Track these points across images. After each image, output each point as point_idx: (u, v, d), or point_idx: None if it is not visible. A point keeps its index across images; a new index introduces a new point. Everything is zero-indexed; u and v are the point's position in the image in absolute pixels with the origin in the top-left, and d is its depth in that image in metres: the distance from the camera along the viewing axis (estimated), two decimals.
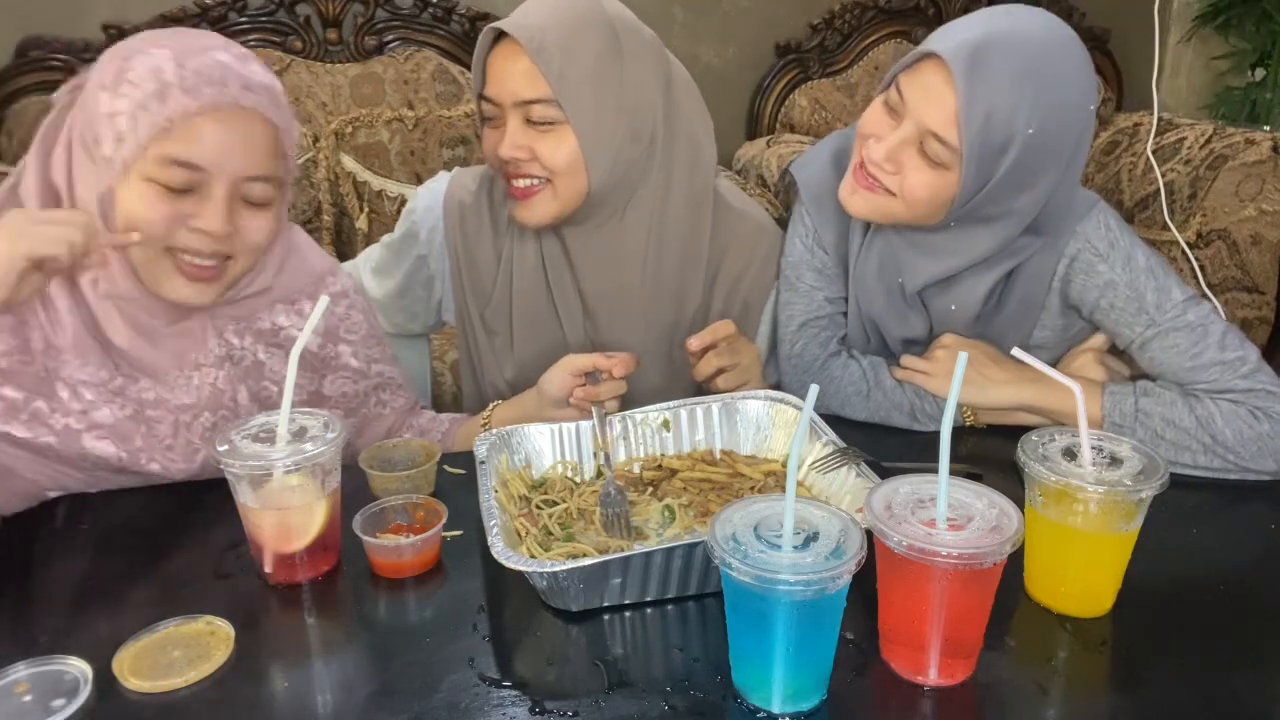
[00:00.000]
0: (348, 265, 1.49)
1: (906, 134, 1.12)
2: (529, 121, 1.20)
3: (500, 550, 0.85)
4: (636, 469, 1.12)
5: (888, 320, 1.31)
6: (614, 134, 1.22)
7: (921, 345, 1.30)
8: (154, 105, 0.96)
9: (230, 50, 1.02)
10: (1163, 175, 2.63)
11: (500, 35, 1.21)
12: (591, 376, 1.17)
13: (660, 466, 1.12)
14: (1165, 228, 2.56)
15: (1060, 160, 1.12)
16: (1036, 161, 1.11)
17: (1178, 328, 1.14)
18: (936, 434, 0.79)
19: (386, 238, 1.45)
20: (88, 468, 1.06)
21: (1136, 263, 1.16)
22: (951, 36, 1.11)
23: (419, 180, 2.36)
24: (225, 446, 0.91)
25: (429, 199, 1.40)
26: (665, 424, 1.14)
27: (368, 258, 1.46)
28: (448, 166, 2.32)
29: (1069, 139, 1.12)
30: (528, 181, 1.23)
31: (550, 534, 0.99)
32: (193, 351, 1.08)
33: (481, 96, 1.25)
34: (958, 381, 0.79)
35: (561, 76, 1.17)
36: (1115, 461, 0.87)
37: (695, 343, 1.23)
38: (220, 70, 0.99)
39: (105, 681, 0.79)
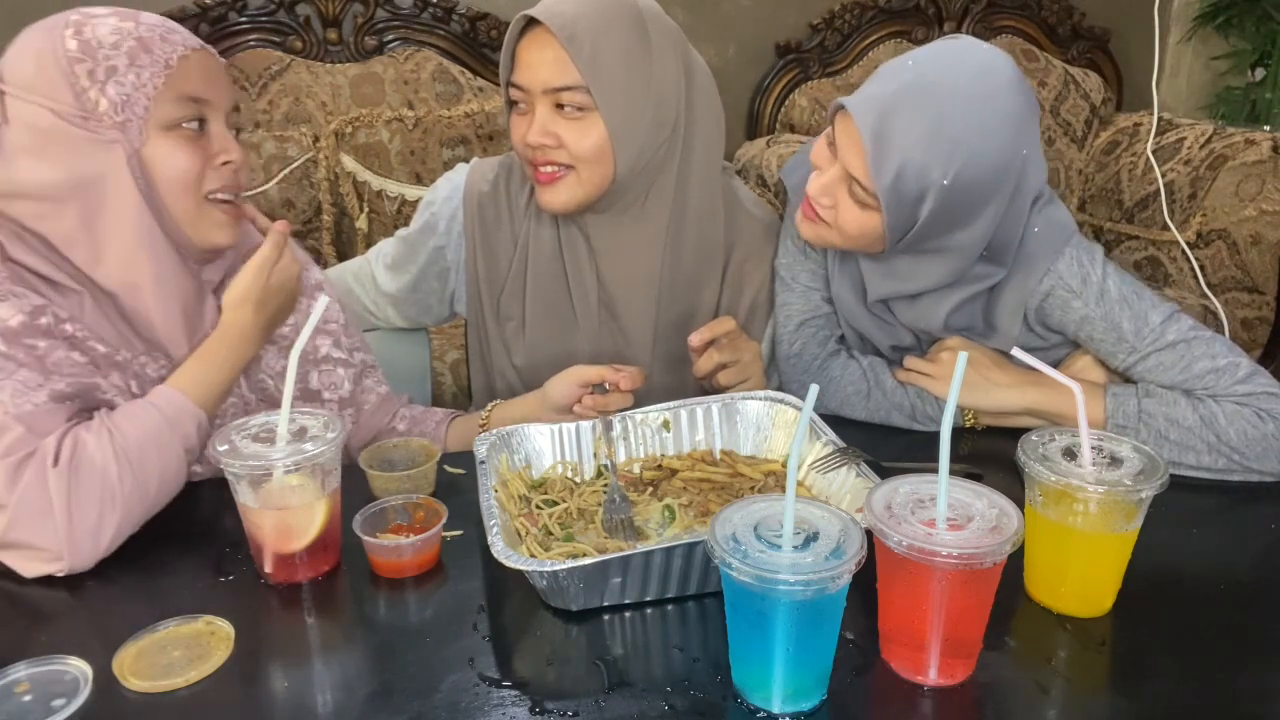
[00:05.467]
0: (355, 261, 1.49)
1: (837, 174, 1.15)
2: (558, 108, 1.22)
3: (500, 550, 0.85)
4: (636, 469, 1.12)
5: (872, 331, 1.32)
6: (641, 122, 1.24)
7: (911, 351, 1.30)
8: (144, 57, 0.99)
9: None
10: (1163, 175, 2.62)
11: (530, 23, 1.22)
12: (598, 387, 1.16)
13: (660, 466, 1.12)
14: (1165, 228, 2.56)
15: (995, 199, 1.12)
16: (962, 205, 1.11)
17: (1160, 349, 1.14)
18: (936, 434, 0.79)
19: (402, 231, 1.44)
20: None
21: (1109, 295, 1.16)
22: (865, 92, 1.12)
23: (419, 180, 2.36)
24: (225, 446, 0.91)
25: (448, 189, 1.40)
26: (665, 424, 1.14)
27: (380, 253, 1.46)
28: (448, 166, 2.31)
29: (997, 183, 1.11)
30: (553, 167, 1.25)
31: (550, 534, 0.99)
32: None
33: (510, 83, 1.26)
34: (957, 381, 0.79)
35: (593, 64, 1.19)
36: (1115, 461, 0.88)
37: (696, 338, 1.23)
38: (167, 22, 1.04)
39: (105, 681, 0.79)
